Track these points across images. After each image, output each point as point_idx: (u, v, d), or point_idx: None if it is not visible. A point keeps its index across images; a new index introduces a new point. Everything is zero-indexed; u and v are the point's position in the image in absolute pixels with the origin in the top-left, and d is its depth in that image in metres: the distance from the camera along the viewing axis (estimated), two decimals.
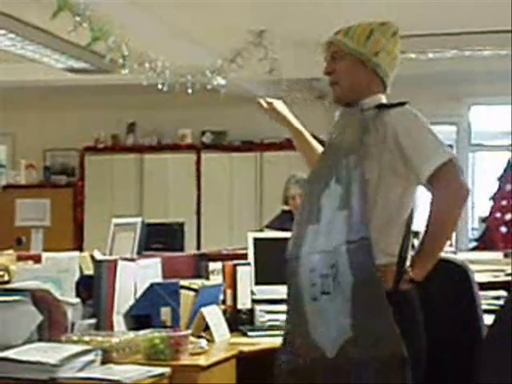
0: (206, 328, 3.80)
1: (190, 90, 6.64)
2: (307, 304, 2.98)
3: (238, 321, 4.17)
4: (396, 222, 2.99)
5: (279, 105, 3.46)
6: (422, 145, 2.95)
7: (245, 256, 4.52)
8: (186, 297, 3.82)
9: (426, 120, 3.02)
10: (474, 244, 8.99)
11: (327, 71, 3.16)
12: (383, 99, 3.11)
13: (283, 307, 3.97)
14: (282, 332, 3.15)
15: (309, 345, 2.95)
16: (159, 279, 4.01)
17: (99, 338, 3.21)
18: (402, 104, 3.03)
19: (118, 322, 3.65)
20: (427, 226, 2.96)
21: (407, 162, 2.94)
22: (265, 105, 3.45)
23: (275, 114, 3.45)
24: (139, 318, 3.68)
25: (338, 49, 3.11)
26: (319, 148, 3.36)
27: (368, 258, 2.86)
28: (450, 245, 9.38)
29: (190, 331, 3.48)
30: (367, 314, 2.86)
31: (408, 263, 3.00)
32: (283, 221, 6.19)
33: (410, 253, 3.04)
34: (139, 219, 4.52)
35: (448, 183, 2.91)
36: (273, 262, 4.14)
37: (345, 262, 2.89)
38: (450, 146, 9.61)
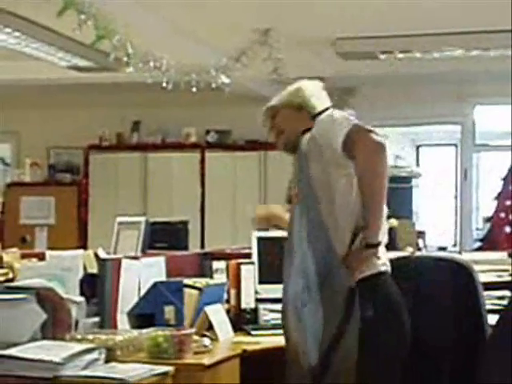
0: (210, 327, 3.80)
1: (194, 89, 6.62)
2: (291, 316, 3.30)
3: (242, 320, 4.17)
4: (345, 217, 3.25)
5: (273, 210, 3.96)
6: (331, 131, 3.29)
7: (249, 255, 4.52)
8: (190, 295, 3.82)
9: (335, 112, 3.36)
10: (478, 244, 8.97)
11: None
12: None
13: None
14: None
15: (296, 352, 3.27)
16: (163, 278, 4.01)
17: (103, 337, 3.21)
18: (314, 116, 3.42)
19: (122, 320, 3.65)
20: (362, 189, 3.22)
21: (332, 152, 3.26)
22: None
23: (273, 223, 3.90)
24: (143, 317, 3.67)
25: None
26: None
27: (327, 243, 3.20)
28: (454, 245, 9.40)
29: (193, 330, 3.48)
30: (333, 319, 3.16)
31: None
32: None
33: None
34: (143, 218, 4.53)
35: (360, 143, 3.20)
36: (276, 261, 4.15)
37: (309, 255, 3.21)
38: (455, 145, 9.60)
